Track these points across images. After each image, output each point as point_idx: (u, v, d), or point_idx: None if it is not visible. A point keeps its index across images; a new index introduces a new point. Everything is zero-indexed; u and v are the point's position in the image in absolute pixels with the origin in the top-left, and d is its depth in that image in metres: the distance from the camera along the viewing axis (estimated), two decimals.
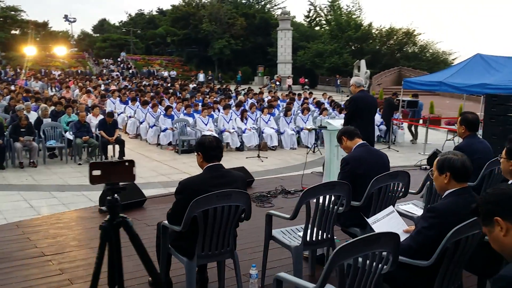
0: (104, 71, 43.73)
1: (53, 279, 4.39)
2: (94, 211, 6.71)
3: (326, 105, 18.23)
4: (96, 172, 2.07)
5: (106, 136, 12.26)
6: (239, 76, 42.70)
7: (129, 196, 6.68)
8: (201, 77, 36.18)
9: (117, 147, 12.57)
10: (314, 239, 3.95)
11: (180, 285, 4.22)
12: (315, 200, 3.84)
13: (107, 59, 50.14)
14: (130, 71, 43.28)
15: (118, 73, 39.67)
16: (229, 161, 12.88)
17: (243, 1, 58.25)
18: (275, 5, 57.81)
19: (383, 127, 16.50)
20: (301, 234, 4.17)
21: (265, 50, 50.28)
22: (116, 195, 2.17)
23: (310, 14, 55.31)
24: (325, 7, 54.55)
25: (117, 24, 73.51)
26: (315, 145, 14.07)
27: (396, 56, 45.40)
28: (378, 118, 15.30)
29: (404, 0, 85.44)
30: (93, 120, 13.39)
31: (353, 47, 46.14)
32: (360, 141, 4.49)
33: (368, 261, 2.56)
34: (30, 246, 5.25)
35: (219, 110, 15.68)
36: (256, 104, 17.05)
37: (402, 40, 46.31)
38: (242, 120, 14.82)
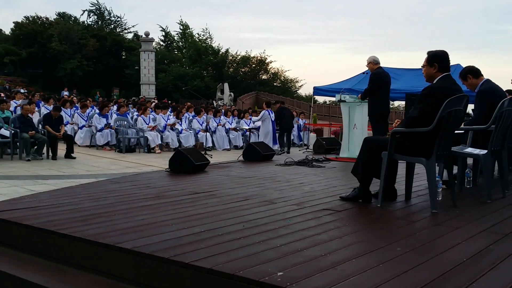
0: None
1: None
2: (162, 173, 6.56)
3: None
4: None
5: (53, 132, 11.36)
6: (97, 96, 40.95)
7: (200, 159, 6.74)
8: (65, 94, 33.96)
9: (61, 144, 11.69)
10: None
11: None
12: None
13: None
14: None
15: None
16: None
17: (90, 22, 56.22)
18: (125, 29, 56.97)
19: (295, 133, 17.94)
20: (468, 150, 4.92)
21: (118, 72, 49.11)
22: None
23: (165, 39, 55.73)
24: (177, 33, 55.62)
25: None
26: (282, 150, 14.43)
27: (252, 82, 48.16)
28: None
29: (257, 28, 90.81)
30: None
31: (213, 72, 47.76)
32: (485, 78, 5.43)
33: None
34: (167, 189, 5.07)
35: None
36: None
37: (256, 68, 49.37)
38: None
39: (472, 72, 5.44)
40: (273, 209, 4.18)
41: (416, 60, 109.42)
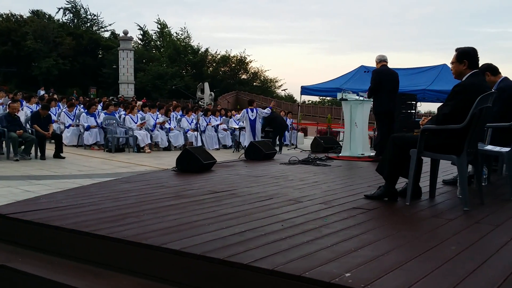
0: None
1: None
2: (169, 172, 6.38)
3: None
4: None
5: (42, 131, 11.02)
6: (74, 95, 40.21)
7: (208, 158, 6.60)
8: (41, 93, 33.21)
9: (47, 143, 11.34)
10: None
11: None
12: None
13: None
14: None
15: None
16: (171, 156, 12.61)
17: (66, 20, 55.28)
18: (102, 27, 56.14)
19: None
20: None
21: (95, 71, 48.39)
22: None
23: (144, 38, 55.12)
24: (155, 32, 55.09)
25: None
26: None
27: (232, 82, 48.01)
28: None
29: (233, 28, 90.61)
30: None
31: (193, 71, 47.44)
32: (503, 76, 5.43)
33: None
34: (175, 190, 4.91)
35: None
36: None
37: (236, 67, 49.24)
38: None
39: (491, 70, 5.45)
40: (303, 208, 4.07)
41: (391, 60, 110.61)
